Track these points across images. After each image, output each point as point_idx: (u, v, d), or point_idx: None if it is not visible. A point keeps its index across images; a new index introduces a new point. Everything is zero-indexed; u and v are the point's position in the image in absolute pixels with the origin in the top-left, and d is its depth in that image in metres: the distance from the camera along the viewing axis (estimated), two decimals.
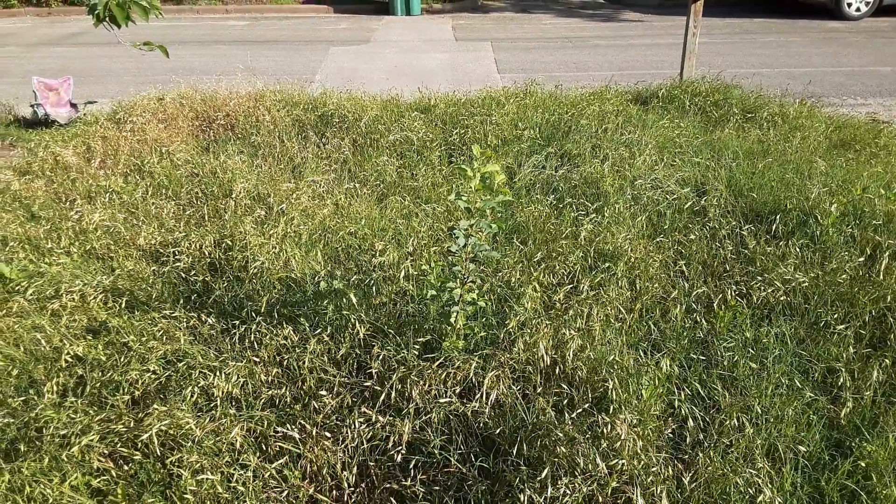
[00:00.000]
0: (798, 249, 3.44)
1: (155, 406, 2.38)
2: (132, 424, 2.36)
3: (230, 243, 3.53)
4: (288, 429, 2.34)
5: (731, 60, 9.27)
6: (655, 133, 5.17)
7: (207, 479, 2.15)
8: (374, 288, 3.04)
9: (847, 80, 8.23)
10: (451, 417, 2.39)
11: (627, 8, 14.41)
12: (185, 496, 2.13)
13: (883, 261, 3.27)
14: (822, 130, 5.41)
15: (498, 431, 2.33)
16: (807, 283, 3.15)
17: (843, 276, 3.20)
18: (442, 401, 2.39)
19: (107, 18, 3.31)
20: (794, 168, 4.49)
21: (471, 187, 2.47)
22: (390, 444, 2.30)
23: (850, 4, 12.11)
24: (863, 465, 2.25)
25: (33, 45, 10.84)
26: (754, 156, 4.76)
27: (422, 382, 2.44)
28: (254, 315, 2.90)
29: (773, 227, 3.70)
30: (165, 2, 14.26)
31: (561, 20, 13.14)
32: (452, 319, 2.62)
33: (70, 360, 2.69)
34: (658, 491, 2.08)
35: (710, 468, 2.18)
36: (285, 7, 14.44)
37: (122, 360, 2.66)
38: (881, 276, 3.19)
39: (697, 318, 2.98)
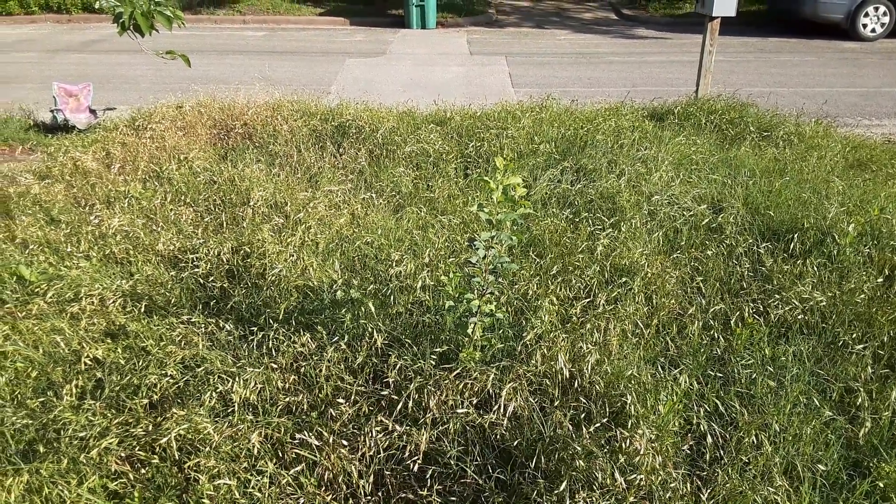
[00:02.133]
0: (815, 268, 3.44)
1: (173, 410, 2.39)
2: (150, 428, 2.37)
3: (248, 250, 3.56)
4: (305, 436, 2.35)
5: (746, 79, 9.28)
6: (671, 150, 5.18)
7: (224, 484, 2.16)
8: (391, 297, 3.05)
9: (862, 101, 8.22)
10: (468, 428, 2.39)
11: (640, 25, 14.45)
12: (202, 500, 2.14)
13: None
14: (838, 150, 5.40)
15: (515, 443, 2.33)
16: (824, 303, 3.14)
17: (861, 296, 3.19)
18: (459, 411, 2.40)
19: (131, 27, 3.37)
20: (811, 187, 4.48)
21: (492, 199, 2.48)
22: (406, 454, 2.31)
23: (865, 25, 12.10)
24: (881, 485, 2.24)
25: (53, 51, 10.99)
26: (771, 174, 4.75)
27: (439, 393, 2.45)
28: (271, 322, 2.91)
29: (791, 246, 3.69)
30: (183, 11, 14.42)
31: (575, 36, 13.20)
32: (470, 330, 2.62)
33: (89, 362, 2.71)
34: None
35: (728, 485, 2.17)
36: (302, 19, 14.57)
37: (140, 364, 2.68)
38: None
39: (714, 334, 2.98)
